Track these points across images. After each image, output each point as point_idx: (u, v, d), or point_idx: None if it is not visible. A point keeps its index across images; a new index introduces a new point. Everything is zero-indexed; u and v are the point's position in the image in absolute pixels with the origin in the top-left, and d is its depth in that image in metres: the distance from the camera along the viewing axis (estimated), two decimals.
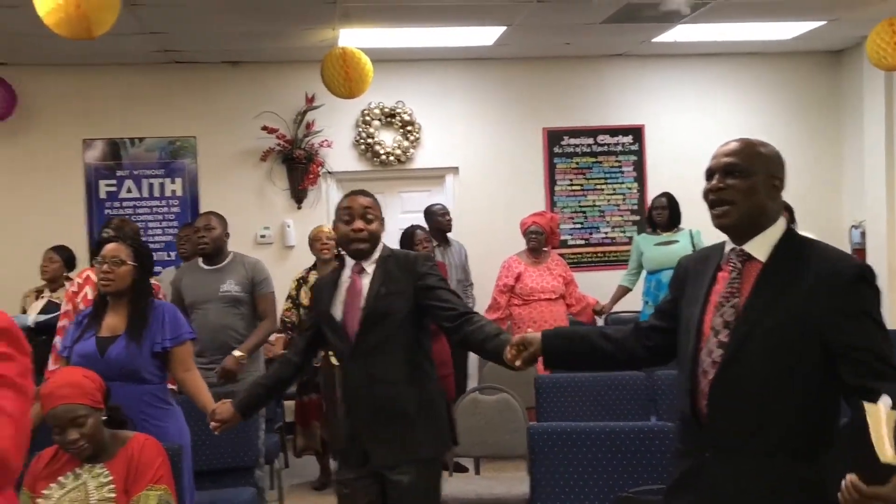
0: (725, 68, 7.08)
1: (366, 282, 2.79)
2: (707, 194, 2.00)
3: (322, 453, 5.11)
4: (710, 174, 2.01)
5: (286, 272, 6.18)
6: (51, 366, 3.71)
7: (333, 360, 4.80)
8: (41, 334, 4.92)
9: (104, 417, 2.63)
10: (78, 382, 2.61)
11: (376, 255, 2.82)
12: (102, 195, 6.58)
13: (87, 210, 6.52)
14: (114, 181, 6.60)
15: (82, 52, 6.06)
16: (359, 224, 2.78)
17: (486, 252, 6.21)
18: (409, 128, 6.79)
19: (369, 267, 2.81)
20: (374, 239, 2.81)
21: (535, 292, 5.42)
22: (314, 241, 5.13)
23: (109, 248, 3.14)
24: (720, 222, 1.98)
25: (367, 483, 2.75)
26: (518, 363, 2.28)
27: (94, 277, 4.09)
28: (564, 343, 2.30)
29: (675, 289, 2.17)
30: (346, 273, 2.85)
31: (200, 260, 4.47)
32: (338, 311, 2.81)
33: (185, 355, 3.19)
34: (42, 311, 5.04)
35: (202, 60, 6.49)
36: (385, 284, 2.75)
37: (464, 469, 4.73)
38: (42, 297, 5.17)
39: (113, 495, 2.54)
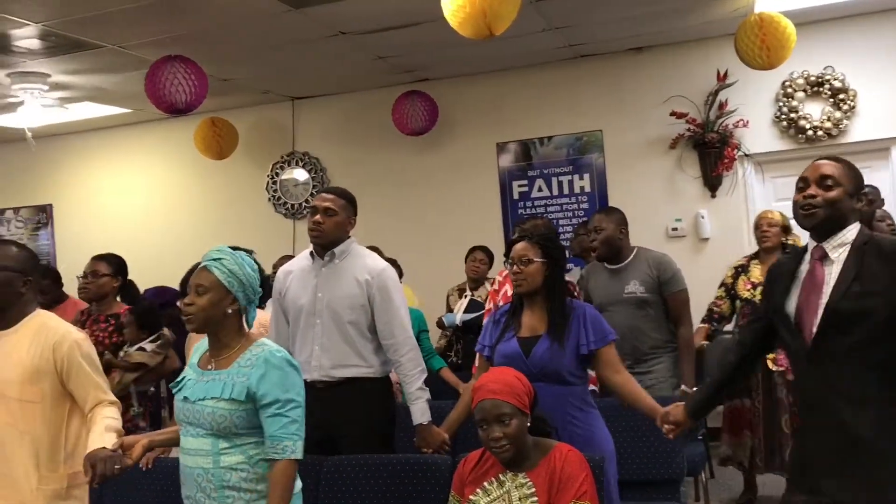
0: None
1: (831, 271, 2.27)
2: None
3: (749, 468, 4.58)
4: None
5: (701, 267, 5.77)
6: (477, 362, 3.78)
7: (770, 365, 4.31)
8: (468, 333, 5.15)
9: (528, 423, 2.52)
10: (509, 382, 2.54)
11: (846, 236, 2.28)
12: (515, 196, 6.77)
13: (502, 211, 6.75)
14: (525, 181, 6.75)
15: (494, 58, 6.30)
16: (813, 190, 2.29)
17: None
18: (840, 96, 5.91)
19: (835, 252, 2.28)
20: (837, 211, 2.27)
21: None
22: (755, 227, 4.67)
23: (517, 247, 3.06)
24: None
25: None
26: None
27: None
28: None
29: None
30: (806, 260, 2.36)
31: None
32: (791, 305, 2.32)
33: (613, 357, 2.97)
34: (466, 310, 5.27)
35: (607, 51, 6.34)
36: (859, 280, 2.20)
37: None
38: (465, 296, 5.40)
39: None
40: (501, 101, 6.72)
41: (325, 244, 3.30)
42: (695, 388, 3.80)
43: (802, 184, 2.34)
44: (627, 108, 6.39)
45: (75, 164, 8.05)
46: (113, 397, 2.74)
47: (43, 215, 8.24)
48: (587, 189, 6.58)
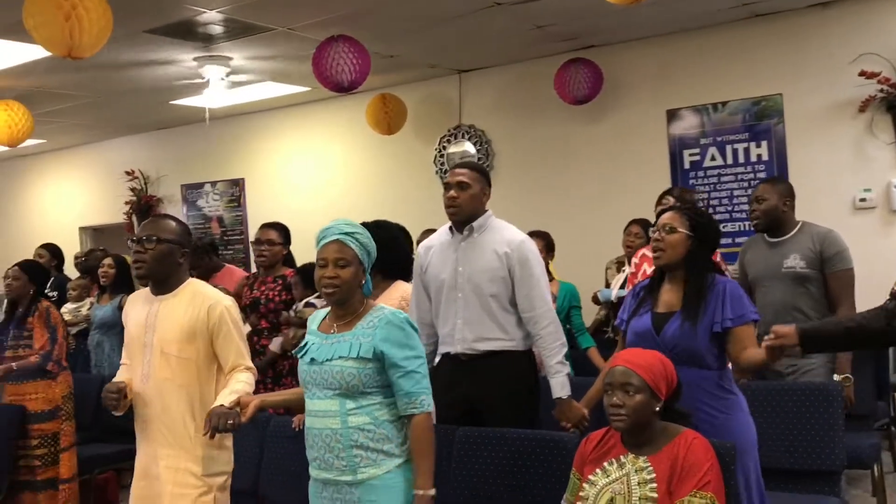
0: None
1: None
2: None
3: None
4: None
5: (893, 242, 5.26)
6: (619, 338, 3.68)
7: None
8: None
9: (658, 408, 2.43)
10: (648, 359, 2.46)
11: None
12: (686, 165, 6.47)
13: (671, 181, 6.47)
14: (697, 150, 6.42)
15: (662, 21, 6.02)
16: None
17: None
18: None
19: None
20: None
21: None
22: None
23: (664, 216, 2.93)
24: None
25: None
26: None
27: (648, 254, 3.96)
28: None
29: None
30: None
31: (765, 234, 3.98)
32: None
33: (747, 336, 2.76)
34: (623, 285, 5.12)
35: (786, 8, 5.87)
36: None
37: None
38: (623, 271, 5.25)
39: (655, 495, 2.32)
40: (671, 66, 6.42)
41: (463, 218, 3.31)
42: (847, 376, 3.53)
43: None
44: (810, 70, 5.90)
45: (262, 141, 8.60)
46: (250, 363, 2.94)
47: (236, 188, 8.88)
48: (764, 157, 6.16)
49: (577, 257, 5.89)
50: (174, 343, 2.85)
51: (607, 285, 5.37)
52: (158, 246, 2.86)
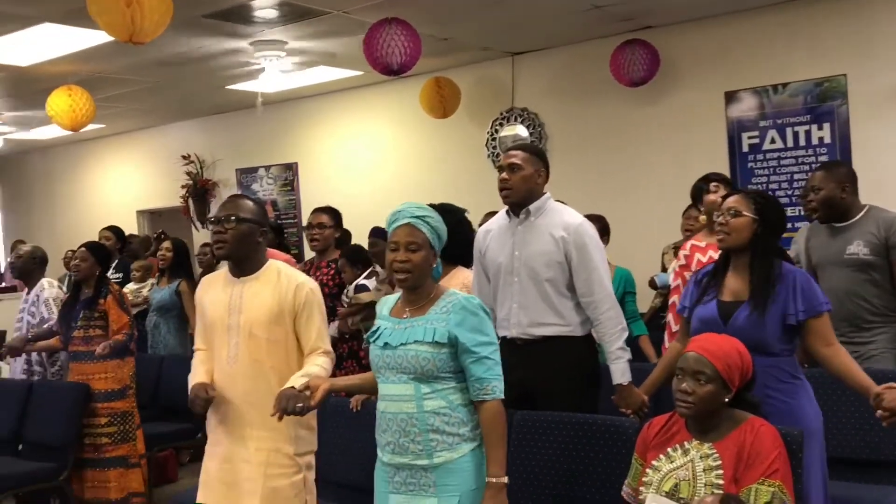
0: None
1: None
2: None
3: None
4: None
5: None
6: (673, 327, 3.63)
7: None
8: None
9: (728, 399, 2.37)
10: (726, 349, 2.39)
11: None
12: (745, 148, 6.33)
13: (729, 164, 6.35)
14: (756, 133, 6.28)
15: (722, 1, 5.90)
16: None
17: None
18: None
19: None
20: None
21: None
22: None
23: (729, 199, 2.88)
24: None
25: None
26: None
27: (697, 244, 3.89)
28: None
29: None
30: None
31: None
32: None
33: (824, 328, 2.72)
34: None
35: None
36: None
37: None
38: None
39: (721, 482, 2.28)
40: (730, 47, 6.27)
41: (517, 201, 3.27)
42: None
43: None
44: (877, 49, 5.71)
45: (315, 125, 8.65)
46: (329, 347, 2.93)
47: (289, 173, 8.96)
48: (826, 140, 6.00)
49: (632, 242, 5.81)
50: (262, 325, 2.85)
51: (664, 270, 5.29)
52: (238, 225, 2.84)
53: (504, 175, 3.26)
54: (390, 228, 2.55)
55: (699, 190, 4.01)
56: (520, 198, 3.27)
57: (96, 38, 5.56)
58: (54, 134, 9.49)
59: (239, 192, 7.96)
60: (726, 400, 2.37)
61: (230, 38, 6.00)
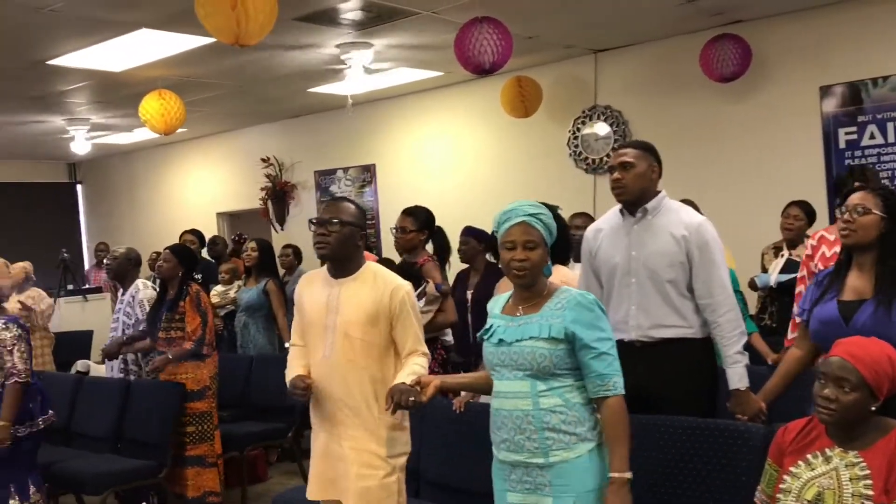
0: None
1: None
2: None
3: None
4: None
5: None
6: (789, 334, 3.50)
7: None
8: (784, 295, 4.79)
9: (873, 407, 2.23)
10: (875, 355, 2.24)
11: None
12: (842, 144, 6.12)
13: (825, 161, 6.14)
14: (854, 128, 6.07)
15: None
16: None
17: None
18: None
19: None
20: None
21: None
22: None
23: (854, 196, 2.77)
24: None
25: None
26: None
27: (828, 236, 3.74)
28: None
29: None
30: None
31: None
32: None
33: None
34: (782, 271, 4.89)
35: None
36: None
37: None
38: (781, 256, 5.01)
39: (871, 492, 2.17)
40: (826, 40, 6.07)
41: (632, 199, 3.18)
42: None
43: None
44: None
45: (394, 126, 8.68)
46: (426, 349, 2.95)
47: (367, 174, 9.00)
48: None
49: (727, 242, 5.58)
50: (358, 326, 2.88)
51: (764, 271, 5.14)
52: (342, 228, 2.90)
53: (616, 175, 3.18)
54: (502, 227, 2.52)
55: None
56: (634, 196, 3.18)
57: (190, 42, 5.66)
58: (137, 138, 9.72)
59: (341, 196, 7.95)
60: (873, 409, 2.25)
61: (318, 40, 6.04)
